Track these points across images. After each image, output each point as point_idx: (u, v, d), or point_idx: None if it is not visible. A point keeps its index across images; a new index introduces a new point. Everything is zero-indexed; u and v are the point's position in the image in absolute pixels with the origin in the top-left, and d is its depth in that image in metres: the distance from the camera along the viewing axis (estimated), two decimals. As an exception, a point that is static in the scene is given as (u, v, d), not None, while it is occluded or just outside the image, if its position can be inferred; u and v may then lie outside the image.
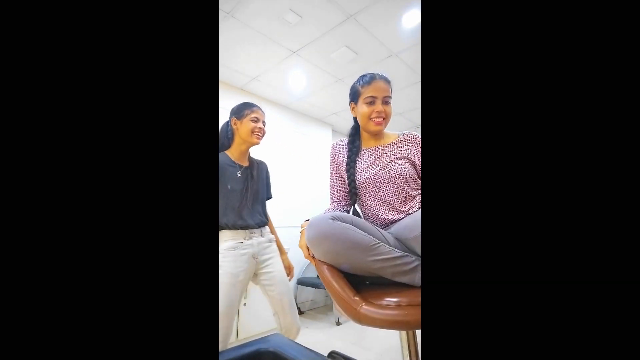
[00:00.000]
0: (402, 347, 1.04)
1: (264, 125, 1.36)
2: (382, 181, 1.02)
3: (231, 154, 1.35)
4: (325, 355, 0.38)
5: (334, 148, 1.15)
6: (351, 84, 1.10)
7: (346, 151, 1.11)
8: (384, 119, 1.03)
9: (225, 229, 1.28)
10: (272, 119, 3.14)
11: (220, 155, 1.32)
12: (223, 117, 1.36)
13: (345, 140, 1.15)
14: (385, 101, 1.03)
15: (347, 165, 1.07)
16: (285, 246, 2.63)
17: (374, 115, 1.02)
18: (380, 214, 1.01)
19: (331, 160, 1.15)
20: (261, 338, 0.42)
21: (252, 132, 1.28)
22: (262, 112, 1.37)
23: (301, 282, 3.00)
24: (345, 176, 1.11)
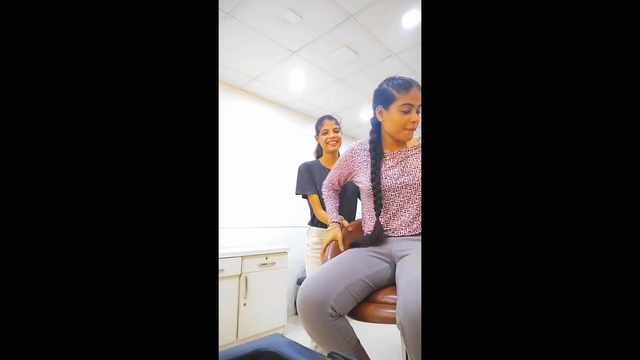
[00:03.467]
0: (402, 348, 1.05)
1: (337, 132, 1.62)
2: (403, 187, 0.98)
3: (323, 161, 1.68)
4: (325, 355, 0.38)
5: (352, 150, 1.11)
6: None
7: (368, 158, 1.07)
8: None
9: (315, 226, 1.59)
10: (272, 119, 3.14)
11: (315, 161, 1.69)
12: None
13: (366, 144, 1.10)
14: (419, 110, 0.99)
15: (372, 174, 1.02)
16: (286, 246, 2.63)
17: (409, 125, 0.96)
18: (397, 223, 0.99)
19: (344, 160, 1.13)
20: (261, 338, 0.42)
21: (326, 142, 1.61)
22: (332, 120, 1.63)
23: (301, 282, 3.00)
24: (342, 181, 1.18)
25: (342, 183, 1.22)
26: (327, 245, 1.11)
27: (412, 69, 2.35)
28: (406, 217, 0.99)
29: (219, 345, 2.02)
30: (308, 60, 2.36)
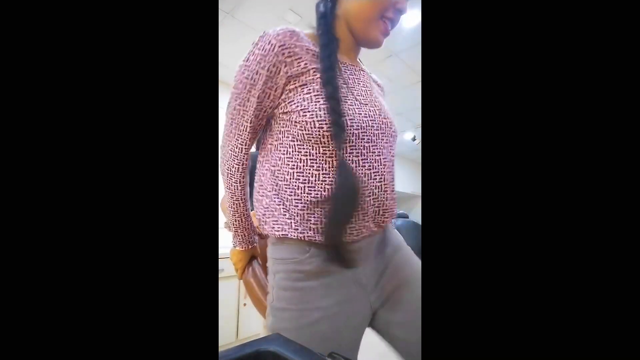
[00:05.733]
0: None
1: None
2: (380, 132, 0.53)
3: None
4: (325, 355, 0.38)
5: (279, 37, 0.52)
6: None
7: (313, 63, 0.53)
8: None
9: None
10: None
11: None
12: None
13: (304, 37, 0.55)
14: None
15: (329, 96, 0.50)
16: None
17: (389, 13, 0.55)
18: (370, 207, 0.53)
19: (262, 57, 0.52)
20: (261, 338, 0.42)
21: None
22: None
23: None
24: (262, 116, 0.57)
25: (261, 125, 0.59)
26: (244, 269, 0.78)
27: (412, 69, 2.35)
28: (384, 197, 0.53)
29: (219, 345, 2.03)
30: (308, 60, 2.35)
